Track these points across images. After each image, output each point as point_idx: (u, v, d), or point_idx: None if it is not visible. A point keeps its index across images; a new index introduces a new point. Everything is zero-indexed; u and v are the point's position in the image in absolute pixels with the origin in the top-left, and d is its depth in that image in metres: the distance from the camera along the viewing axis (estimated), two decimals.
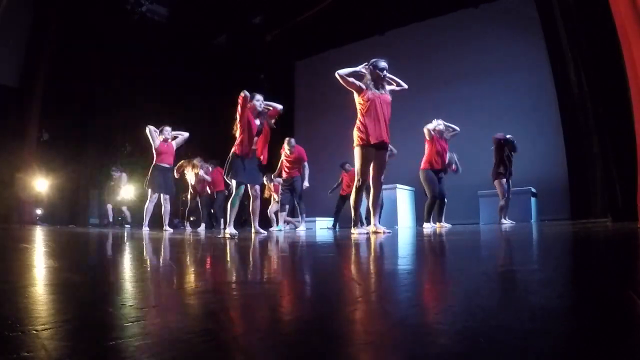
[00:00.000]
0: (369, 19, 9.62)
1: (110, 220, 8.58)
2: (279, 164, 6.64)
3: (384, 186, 4.03)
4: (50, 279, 1.23)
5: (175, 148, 6.25)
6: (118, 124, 9.93)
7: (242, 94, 4.37)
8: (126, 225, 9.13)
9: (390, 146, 3.93)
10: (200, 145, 8.46)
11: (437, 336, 0.56)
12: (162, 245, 2.91)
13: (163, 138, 6.18)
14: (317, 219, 8.68)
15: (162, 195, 6.19)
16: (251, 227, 4.73)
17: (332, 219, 7.93)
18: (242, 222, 10.17)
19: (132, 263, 1.77)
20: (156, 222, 6.68)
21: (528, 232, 3.58)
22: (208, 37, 10.86)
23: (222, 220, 7.54)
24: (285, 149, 6.41)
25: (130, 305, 0.79)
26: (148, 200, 6.10)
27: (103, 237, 4.20)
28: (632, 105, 2.93)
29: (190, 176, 7.52)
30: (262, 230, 4.75)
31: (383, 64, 3.94)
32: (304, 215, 6.61)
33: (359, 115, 3.88)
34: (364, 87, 3.85)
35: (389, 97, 3.96)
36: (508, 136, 6.32)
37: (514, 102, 8.21)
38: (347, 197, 7.75)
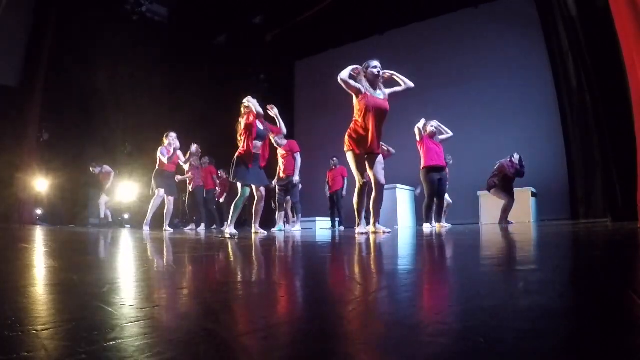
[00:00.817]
0: (369, 19, 9.62)
1: (103, 217, 8.45)
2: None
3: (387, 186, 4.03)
4: (50, 279, 1.23)
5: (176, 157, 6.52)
6: (118, 124, 9.92)
7: (251, 109, 4.42)
8: (126, 226, 9.13)
9: (385, 146, 3.92)
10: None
11: (437, 336, 0.56)
12: (162, 245, 2.91)
13: (167, 143, 6.38)
14: (317, 219, 8.68)
15: (166, 196, 6.34)
16: (251, 227, 4.75)
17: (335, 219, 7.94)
18: (241, 222, 10.17)
19: (132, 263, 1.77)
20: (156, 222, 6.69)
21: (528, 232, 3.58)
22: (208, 37, 10.86)
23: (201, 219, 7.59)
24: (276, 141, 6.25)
25: (130, 305, 0.79)
26: (156, 196, 6.26)
27: (103, 237, 4.20)
28: (632, 105, 2.93)
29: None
30: (262, 231, 4.77)
31: (374, 62, 3.94)
32: (300, 215, 6.58)
33: (354, 118, 3.88)
34: (363, 90, 3.82)
35: (386, 104, 3.88)
36: (515, 161, 6.34)
37: (514, 102, 8.22)
38: (334, 195, 7.77)
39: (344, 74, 3.84)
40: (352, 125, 3.89)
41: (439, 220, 5.98)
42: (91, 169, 8.44)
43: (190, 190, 7.69)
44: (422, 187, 6.27)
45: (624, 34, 2.94)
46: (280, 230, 6.52)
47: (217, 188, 8.31)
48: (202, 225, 7.61)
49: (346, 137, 3.90)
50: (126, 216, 10.13)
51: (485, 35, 8.69)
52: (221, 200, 8.85)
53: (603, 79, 4.31)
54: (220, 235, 4.49)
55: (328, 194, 7.87)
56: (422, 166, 5.90)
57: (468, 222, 7.59)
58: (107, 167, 8.47)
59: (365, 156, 3.87)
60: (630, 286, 0.85)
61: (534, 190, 7.24)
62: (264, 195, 4.71)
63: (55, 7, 8.51)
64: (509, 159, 6.40)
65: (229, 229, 4.24)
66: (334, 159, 7.72)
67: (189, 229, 7.42)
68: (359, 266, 1.66)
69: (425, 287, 1.07)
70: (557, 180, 7.49)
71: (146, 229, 6.14)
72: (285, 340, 0.58)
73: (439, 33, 9.20)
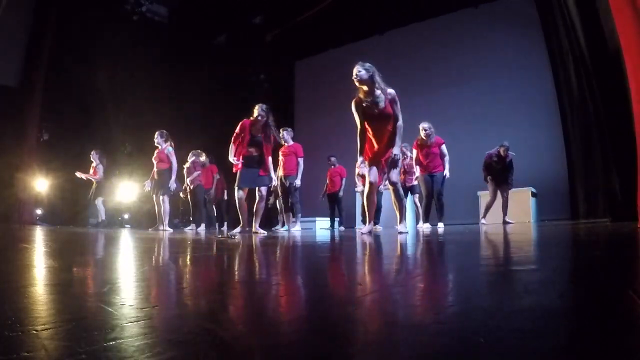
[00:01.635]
0: (369, 19, 9.62)
1: (103, 218, 8.32)
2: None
3: (383, 186, 4.02)
4: (50, 279, 1.23)
5: (165, 154, 6.58)
6: (118, 124, 9.92)
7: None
8: (126, 226, 9.12)
9: (395, 152, 3.74)
10: (200, 145, 8.44)
11: (437, 336, 0.56)
12: (162, 245, 2.91)
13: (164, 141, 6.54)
14: (317, 219, 8.68)
15: (162, 196, 6.40)
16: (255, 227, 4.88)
17: (336, 219, 7.94)
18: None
19: (132, 263, 1.77)
20: (153, 222, 6.73)
21: (528, 232, 3.58)
22: (208, 37, 10.86)
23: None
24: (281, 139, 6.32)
25: (130, 305, 0.79)
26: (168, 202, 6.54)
27: (103, 237, 4.20)
28: (632, 105, 2.93)
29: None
30: (261, 231, 4.80)
31: (355, 68, 3.62)
32: (300, 215, 6.58)
33: None
34: (359, 119, 3.76)
35: (385, 110, 3.66)
36: (500, 149, 6.38)
37: (514, 102, 8.21)
38: (332, 195, 7.76)
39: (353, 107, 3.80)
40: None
41: (425, 220, 6.11)
42: (93, 153, 8.15)
43: (191, 189, 7.68)
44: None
45: (624, 34, 2.94)
46: (285, 230, 6.53)
47: (212, 188, 8.29)
48: (202, 225, 7.60)
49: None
50: (126, 216, 10.13)
51: (485, 35, 8.69)
52: (225, 198, 8.86)
53: (603, 79, 4.31)
54: (220, 235, 4.49)
55: (323, 194, 7.87)
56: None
57: (468, 222, 7.59)
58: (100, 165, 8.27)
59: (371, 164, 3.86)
60: (630, 286, 0.85)
61: (534, 190, 7.24)
62: (264, 195, 4.84)
63: (55, 7, 8.51)
64: (495, 149, 6.45)
65: (238, 228, 4.66)
66: (332, 158, 7.72)
67: (189, 229, 7.41)
68: (359, 266, 1.66)
69: (425, 287, 1.06)
70: (557, 180, 7.48)
71: (168, 229, 6.42)
72: (285, 340, 0.58)
73: (439, 33, 9.20)
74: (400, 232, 3.87)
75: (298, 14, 9.70)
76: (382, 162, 3.79)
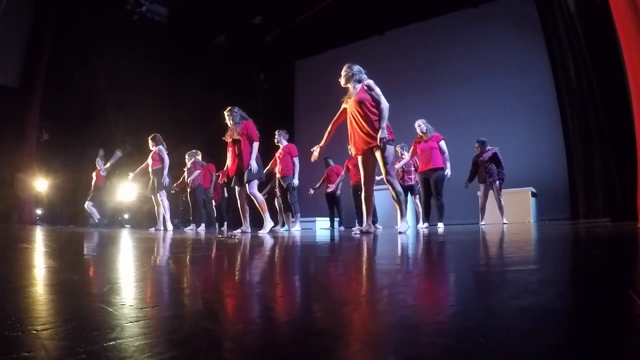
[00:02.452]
0: (369, 19, 9.62)
1: (98, 218, 8.31)
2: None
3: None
4: (50, 279, 1.23)
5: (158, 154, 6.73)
6: (118, 124, 9.93)
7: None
8: (127, 226, 9.12)
9: (381, 135, 3.74)
10: (200, 146, 8.45)
11: (437, 336, 0.56)
12: (162, 245, 2.91)
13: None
14: (317, 219, 8.68)
15: (160, 195, 6.53)
16: (260, 227, 5.08)
17: (336, 219, 7.93)
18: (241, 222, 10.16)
19: (132, 263, 1.77)
20: (151, 222, 6.75)
21: (528, 232, 3.58)
22: (208, 37, 10.86)
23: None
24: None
25: (130, 306, 0.79)
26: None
27: (103, 237, 4.20)
28: (632, 105, 2.93)
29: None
30: (248, 230, 4.99)
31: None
32: (299, 215, 6.60)
33: None
34: (342, 106, 4.02)
35: (358, 96, 3.80)
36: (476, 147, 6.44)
37: (514, 102, 8.21)
38: (331, 196, 7.75)
39: None
40: None
41: (425, 220, 6.12)
42: (100, 154, 8.23)
43: (190, 189, 7.69)
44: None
45: (624, 34, 2.94)
46: (285, 230, 6.55)
47: (210, 188, 8.29)
48: (202, 225, 7.60)
49: None
50: (126, 216, 10.14)
51: (485, 35, 8.69)
52: (225, 197, 8.86)
53: (603, 79, 4.31)
54: (220, 235, 4.49)
55: (316, 189, 7.86)
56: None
57: (468, 222, 7.59)
58: (103, 167, 8.29)
59: (360, 156, 3.94)
60: (630, 286, 0.85)
61: (534, 190, 7.23)
62: (253, 194, 4.99)
63: (55, 7, 8.51)
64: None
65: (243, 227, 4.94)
66: (329, 160, 7.75)
67: (189, 229, 7.41)
68: (359, 266, 1.66)
69: (425, 287, 1.06)
70: (557, 180, 7.48)
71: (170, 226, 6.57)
72: (285, 340, 0.58)
73: (439, 33, 9.20)
74: (400, 232, 3.84)
75: (298, 14, 9.70)
76: (374, 153, 3.81)
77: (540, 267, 1.28)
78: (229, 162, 5.16)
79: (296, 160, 6.37)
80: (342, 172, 7.36)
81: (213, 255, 2.19)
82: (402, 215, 3.92)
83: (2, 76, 8.29)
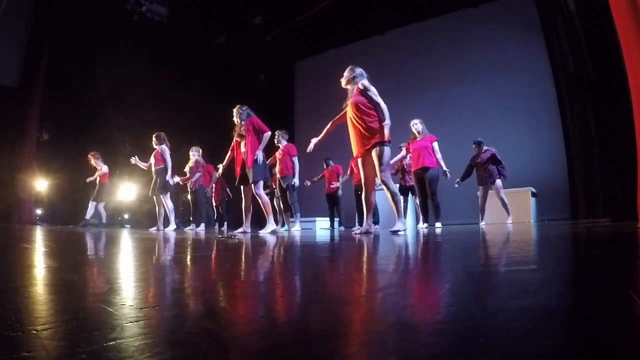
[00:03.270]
0: (369, 19, 9.61)
1: (101, 220, 8.30)
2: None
3: (382, 186, 4.01)
4: (50, 279, 1.23)
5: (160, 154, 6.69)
6: (118, 124, 9.93)
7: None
8: (126, 225, 9.11)
9: (386, 132, 3.76)
10: (199, 146, 8.45)
11: (437, 336, 0.56)
12: (162, 245, 2.91)
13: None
14: (317, 219, 8.68)
15: (164, 196, 6.51)
16: (261, 227, 5.10)
17: (336, 219, 7.93)
18: (242, 222, 10.16)
19: (132, 263, 1.77)
20: (151, 222, 6.74)
21: (528, 232, 3.58)
22: (208, 37, 10.86)
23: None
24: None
25: (130, 306, 0.79)
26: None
27: (103, 237, 4.20)
28: (632, 105, 2.93)
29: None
30: (248, 230, 4.98)
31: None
32: (299, 215, 6.60)
33: None
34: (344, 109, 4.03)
35: (354, 98, 3.86)
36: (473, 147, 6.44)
37: (513, 102, 8.22)
38: (331, 195, 7.75)
39: None
40: None
41: (425, 221, 6.10)
42: (93, 161, 8.09)
43: (192, 189, 7.68)
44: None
45: (624, 34, 2.94)
46: (285, 230, 6.54)
47: (209, 188, 8.29)
48: (202, 225, 7.60)
49: None
50: (126, 216, 10.14)
51: (485, 35, 8.69)
52: (225, 197, 8.85)
53: (603, 79, 4.31)
54: (220, 235, 4.49)
55: (312, 182, 7.83)
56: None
57: (468, 222, 7.59)
58: (104, 167, 8.24)
59: (360, 158, 3.97)
60: (630, 286, 0.85)
61: (534, 190, 7.23)
62: (257, 193, 4.96)
63: (55, 7, 8.51)
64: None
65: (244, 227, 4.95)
66: (329, 161, 7.75)
67: (189, 229, 7.41)
68: (359, 266, 1.66)
69: (425, 287, 1.06)
70: (557, 180, 7.48)
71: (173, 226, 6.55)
72: (285, 340, 0.58)
73: (439, 33, 9.20)
74: (393, 232, 3.81)
75: (298, 14, 9.70)
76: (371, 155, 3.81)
77: (540, 267, 1.28)
78: (234, 160, 5.19)
79: (295, 160, 6.38)
80: (348, 173, 7.36)
81: (213, 255, 2.19)
82: (398, 215, 3.93)
83: (2, 76, 8.29)
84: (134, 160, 6.89)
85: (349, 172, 7.28)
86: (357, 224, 7.01)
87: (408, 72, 9.30)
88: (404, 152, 6.39)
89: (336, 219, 7.94)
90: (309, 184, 7.70)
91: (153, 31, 10.13)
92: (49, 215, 9.09)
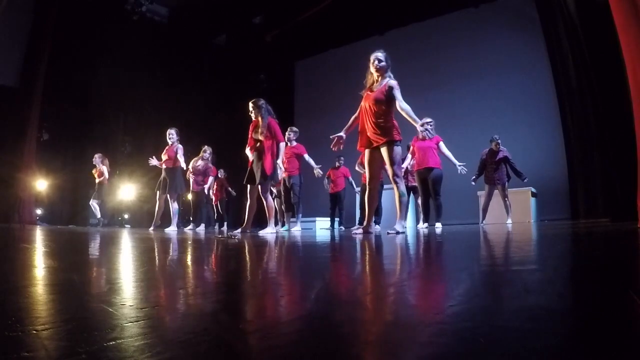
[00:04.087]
0: (369, 19, 9.62)
1: (100, 218, 8.29)
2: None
3: (389, 185, 4.00)
4: (50, 279, 1.23)
5: (175, 152, 6.51)
6: (118, 124, 9.93)
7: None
8: (127, 225, 9.11)
9: (423, 124, 3.68)
10: (199, 145, 8.45)
11: (437, 336, 0.56)
12: (163, 245, 2.91)
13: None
14: (317, 219, 8.68)
15: (168, 195, 6.45)
16: (262, 228, 5.04)
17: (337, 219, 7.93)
18: (242, 221, 10.17)
19: (132, 263, 1.77)
20: (151, 222, 6.70)
21: (528, 232, 3.58)
22: (208, 37, 10.87)
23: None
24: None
25: (130, 306, 0.79)
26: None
27: (103, 237, 4.20)
28: (632, 105, 2.93)
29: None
30: (249, 230, 4.97)
31: (375, 54, 3.88)
32: (300, 215, 6.59)
33: None
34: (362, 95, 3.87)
35: (378, 94, 3.74)
36: (491, 144, 6.40)
37: (514, 102, 8.22)
38: (335, 195, 7.72)
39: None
40: None
41: (425, 220, 6.11)
42: (97, 157, 8.14)
43: (193, 189, 7.68)
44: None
45: (624, 34, 2.94)
46: (285, 230, 6.54)
47: (210, 189, 8.27)
48: (202, 225, 7.61)
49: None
50: (126, 216, 10.14)
51: (485, 36, 8.70)
52: (226, 197, 8.86)
53: (603, 79, 4.31)
54: (220, 235, 4.49)
55: (328, 188, 7.74)
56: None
57: (468, 222, 7.59)
58: (103, 165, 8.24)
59: (367, 152, 3.89)
60: (630, 286, 0.85)
61: (534, 190, 7.24)
62: (262, 195, 4.89)
63: (55, 7, 8.51)
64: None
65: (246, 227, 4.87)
66: (341, 158, 7.67)
67: (189, 229, 7.42)
68: (359, 266, 1.66)
69: (425, 287, 1.07)
70: (557, 180, 7.49)
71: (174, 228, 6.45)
72: (285, 340, 0.58)
73: (439, 33, 9.20)
74: (390, 233, 3.79)
75: (298, 14, 9.71)
76: (380, 155, 3.77)
77: (540, 267, 1.28)
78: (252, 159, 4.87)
79: (306, 156, 6.34)
80: (356, 167, 7.23)
81: (213, 255, 2.19)
82: (400, 217, 3.91)
83: (2, 76, 8.29)
84: (152, 160, 6.66)
85: (356, 167, 7.15)
86: (357, 223, 7.00)
87: (408, 72, 9.27)
88: (409, 156, 6.33)
89: (336, 219, 7.94)
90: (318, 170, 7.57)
91: (153, 31, 10.14)
92: (49, 215, 9.09)
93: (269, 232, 4.88)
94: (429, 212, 6.18)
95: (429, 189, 5.95)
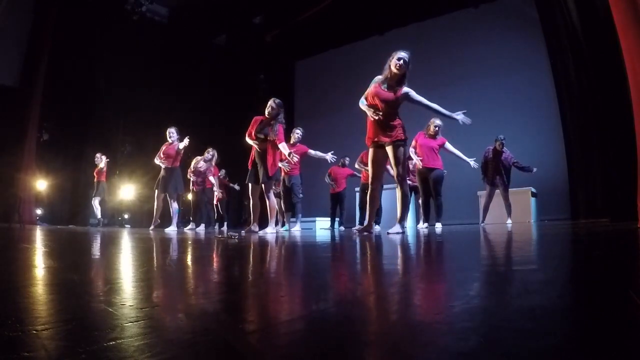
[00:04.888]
0: (369, 19, 9.62)
1: (99, 218, 8.31)
2: None
3: (390, 185, 3.99)
4: (50, 279, 1.23)
5: (176, 150, 6.47)
6: (118, 124, 9.93)
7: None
8: (127, 226, 9.11)
9: (457, 116, 3.74)
10: (200, 145, 8.45)
11: (437, 336, 0.56)
12: (162, 245, 2.91)
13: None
14: (317, 219, 8.68)
15: (168, 194, 6.46)
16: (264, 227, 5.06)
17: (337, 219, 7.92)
18: (242, 221, 10.17)
19: (132, 263, 1.77)
20: (151, 222, 6.69)
21: (528, 232, 3.58)
22: (208, 37, 10.86)
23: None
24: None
25: (130, 306, 0.79)
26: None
27: (103, 237, 4.20)
28: (632, 105, 2.93)
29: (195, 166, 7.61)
30: (256, 229, 4.99)
31: (399, 54, 3.84)
32: (300, 215, 6.59)
33: None
34: (368, 89, 3.83)
35: (389, 95, 3.74)
36: (495, 143, 6.39)
37: (514, 102, 8.22)
38: (336, 195, 7.71)
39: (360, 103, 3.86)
40: None
41: (425, 220, 6.10)
42: (98, 156, 8.19)
43: (194, 190, 7.68)
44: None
45: (624, 34, 2.94)
46: (286, 229, 6.53)
47: (215, 189, 8.27)
48: (202, 225, 7.61)
49: None
50: (126, 216, 10.14)
51: (485, 35, 8.69)
52: (226, 197, 8.85)
53: (603, 79, 4.31)
54: (220, 235, 4.49)
55: (334, 186, 7.68)
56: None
57: (468, 222, 7.59)
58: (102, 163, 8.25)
59: (371, 150, 3.85)
60: (630, 286, 0.85)
61: (534, 190, 7.24)
62: (265, 194, 4.91)
63: (55, 7, 8.52)
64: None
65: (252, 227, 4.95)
66: (347, 158, 7.61)
67: (189, 229, 7.42)
68: (359, 266, 1.66)
69: (425, 287, 1.07)
70: (557, 180, 7.48)
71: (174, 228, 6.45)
72: (285, 340, 0.58)
73: (439, 33, 9.20)
74: (389, 233, 3.78)
75: (298, 14, 9.71)
76: (388, 154, 3.75)
77: (540, 267, 1.28)
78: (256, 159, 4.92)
79: (311, 151, 6.29)
80: (356, 164, 7.18)
81: (213, 254, 2.19)
82: (400, 218, 3.90)
83: (2, 76, 8.29)
84: (157, 160, 6.63)
85: (356, 164, 7.11)
86: (357, 223, 7.00)
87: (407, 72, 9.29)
88: (413, 156, 6.26)
89: (336, 219, 7.93)
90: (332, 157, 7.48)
91: (153, 31, 10.14)
92: (49, 215, 9.09)
93: (269, 232, 4.89)
94: (429, 212, 6.17)
95: (429, 188, 5.94)
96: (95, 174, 8.25)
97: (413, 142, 6.16)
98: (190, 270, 1.55)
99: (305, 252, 2.44)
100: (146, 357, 0.49)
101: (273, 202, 4.96)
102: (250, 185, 4.95)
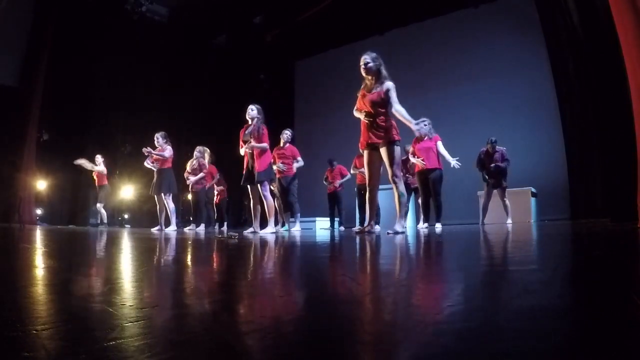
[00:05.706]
0: (369, 19, 9.62)
1: (105, 222, 8.33)
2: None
3: (387, 185, 4.00)
4: (50, 279, 1.23)
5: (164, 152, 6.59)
6: (118, 124, 9.93)
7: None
8: (126, 226, 9.11)
9: (415, 127, 3.74)
10: (199, 146, 8.45)
11: (437, 336, 0.56)
12: (162, 246, 2.91)
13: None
14: (317, 219, 8.67)
15: (163, 196, 6.49)
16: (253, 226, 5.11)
17: (336, 219, 7.92)
18: (242, 221, 10.17)
19: (132, 263, 1.77)
20: (151, 222, 6.71)
21: (528, 232, 3.58)
22: (208, 37, 10.86)
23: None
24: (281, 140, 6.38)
25: (130, 306, 0.79)
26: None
27: (103, 237, 4.20)
28: (632, 105, 2.93)
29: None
30: (258, 230, 5.01)
31: (362, 56, 3.78)
32: (298, 215, 6.59)
33: None
34: (358, 95, 3.88)
35: (375, 96, 3.74)
36: (487, 146, 6.40)
37: (514, 102, 8.21)
38: (333, 195, 7.72)
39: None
40: None
41: (425, 220, 6.09)
42: (98, 158, 8.23)
43: (194, 190, 7.68)
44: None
45: (624, 34, 2.94)
46: (285, 229, 6.53)
47: (212, 189, 8.27)
48: (202, 225, 7.60)
49: None
50: (126, 216, 10.14)
51: (485, 36, 8.69)
52: (226, 198, 8.85)
53: (603, 79, 4.31)
54: (220, 235, 4.49)
55: (334, 184, 7.73)
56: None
57: (468, 222, 7.59)
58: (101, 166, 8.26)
59: (366, 152, 3.88)
60: (631, 286, 0.85)
61: (534, 190, 7.23)
62: (263, 194, 4.97)
63: (55, 7, 8.51)
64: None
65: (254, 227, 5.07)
66: (333, 162, 7.69)
67: (189, 229, 7.42)
68: (359, 266, 1.66)
69: (425, 287, 1.06)
70: (557, 180, 7.48)
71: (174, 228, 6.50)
72: (285, 340, 0.58)
73: (439, 33, 9.20)
74: (390, 233, 3.79)
75: (298, 14, 9.71)
76: (381, 155, 3.77)
77: (540, 267, 1.28)
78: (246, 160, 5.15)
79: (300, 159, 6.38)
80: (351, 170, 7.25)
81: (213, 255, 2.19)
82: (399, 217, 3.91)
83: (2, 76, 8.29)
84: (148, 164, 6.75)
85: (351, 170, 7.18)
86: (357, 223, 6.99)
87: (407, 72, 9.29)
88: (412, 158, 6.26)
89: (336, 219, 7.93)
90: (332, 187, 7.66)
91: (153, 31, 10.13)
92: (49, 215, 9.09)
93: (269, 232, 4.90)
94: (429, 212, 6.16)
95: (429, 188, 5.94)
96: (95, 177, 8.25)
97: (410, 149, 6.19)
98: (190, 271, 1.55)
99: (304, 252, 2.43)
100: (146, 357, 0.49)
101: (271, 202, 5.04)
102: (249, 187, 5.07)
